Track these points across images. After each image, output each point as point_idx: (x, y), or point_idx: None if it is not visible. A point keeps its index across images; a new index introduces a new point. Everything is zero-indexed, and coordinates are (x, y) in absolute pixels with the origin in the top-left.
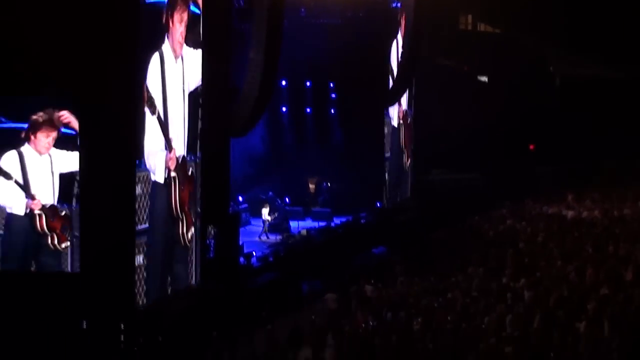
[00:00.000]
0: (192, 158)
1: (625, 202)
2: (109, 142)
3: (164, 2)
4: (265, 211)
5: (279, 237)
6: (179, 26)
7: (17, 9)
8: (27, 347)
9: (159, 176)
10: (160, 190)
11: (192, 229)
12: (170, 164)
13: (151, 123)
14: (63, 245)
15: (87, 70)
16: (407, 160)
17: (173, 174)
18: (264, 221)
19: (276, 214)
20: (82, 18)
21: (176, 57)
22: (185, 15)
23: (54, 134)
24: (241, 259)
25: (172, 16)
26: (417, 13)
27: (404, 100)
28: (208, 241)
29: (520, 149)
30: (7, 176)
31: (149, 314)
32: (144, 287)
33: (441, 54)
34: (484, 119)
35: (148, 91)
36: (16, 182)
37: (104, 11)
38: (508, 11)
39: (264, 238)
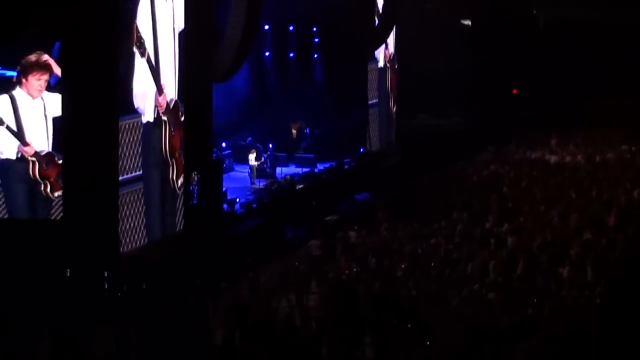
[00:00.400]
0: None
1: (609, 146)
2: (93, 85)
3: None
4: (252, 157)
5: (263, 183)
6: None
7: None
8: (10, 295)
9: (148, 116)
10: (151, 133)
11: (182, 178)
12: (160, 104)
13: (141, 65)
14: (56, 194)
15: (72, 9)
16: (393, 105)
17: (164, 117)
18: (250, 167)
19: (263, 159)
20: None
21: None
22: None
23: (45, 76)
24: (225, 206)
25: None
26: None
27: (391, 43)
28: (191, 187)
29: (503, 93)
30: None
31: (132, 262)
32: (144, 233)
33: None
34: (467, 63)
35: (138, 31)
36: (8, 127)
37: None
38: None
39: (250, 185)
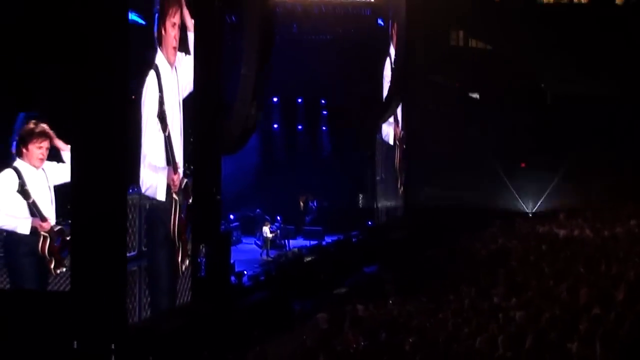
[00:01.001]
0: (189, 178)
1: (617, 220)
2: (101, 159)
3: (155, 11)
4: (266, 229)
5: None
6: (171, 31)
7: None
8: None
9: (160, 195)
10: (160, 212)
11: (187, 261)
12: (175, 183)
13: (158, 140)
14: (58, 271)
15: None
16: (400, 185)
17: (175, 196)
18: (264, 239)
19: (278, 232)
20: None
21: (171, 66)
22: (177, 18)
23: (45, 144)
24: (232, 278)
25: (164, 24)
26: (408, 29)
27: (401, 119)
28: (199, 259)
29: (511, 167)
30: (26, 195)
31: (139, 333)
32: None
33: (433, 70)
34: (475, 136)
35: (162, 105)
36: (33, 202)
37: (93, 28)
38: (500, 28)
39: (264, 257)
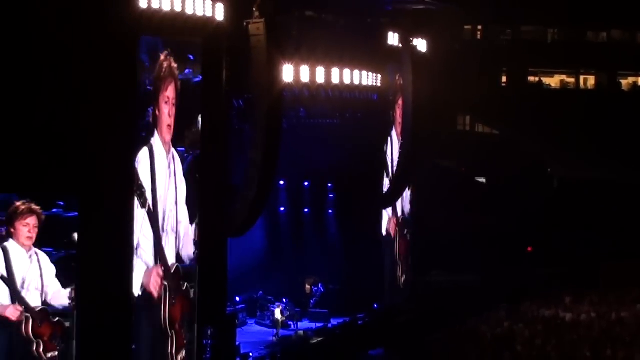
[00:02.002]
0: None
1: (623, 304)
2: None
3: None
4: (277, 311)
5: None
6: (165, 108)
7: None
8: None
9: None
10: (145, 303)
11: (183, 352)
12: (158, 274)
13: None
14: (49, 355)
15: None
16: (402, 275)
17: (165, 282)
18: (275, 320)
19: (288, 314)
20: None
21: (167, 151)
22: (171, 92)
23: (33, 221)
24: None
25: (158, 103)
26: (415, 114)
27: (399, 207)
28: (205, 342)
29: (518, 251)
30: (10, 275)
31: None
32: None
33: (439, 154)
34: (481, 220)
35: (154, 183)
36: (2, 277)
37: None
38: (506, 113)
39: (275, 338)
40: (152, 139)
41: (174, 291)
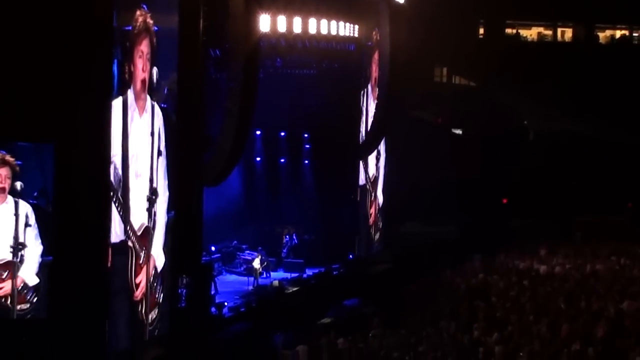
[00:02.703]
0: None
1: (598, 257)
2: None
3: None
4: (257, 260)
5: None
6: (139, 63)
7: None
8: None
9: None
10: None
11: (155, 311)
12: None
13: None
14: (18, 307)
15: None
16: (377, 227)
17: (130, 243)
18: (253, 269)
19: (265, 264)
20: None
21: (142, 107)
22: (145, 47)
23: (4, 171)
24: (213, 309)
25: (133, 58)
26: (392, 65)
27: (375, 158)
28: (179, 290)
29: (493, 203)
30: None
31: None
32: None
33: (416, 106)
34: (457, 172)
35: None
36: None
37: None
38: (483, 65)
39: (253, 287)
40: (127, 92)
41: (141, 252)
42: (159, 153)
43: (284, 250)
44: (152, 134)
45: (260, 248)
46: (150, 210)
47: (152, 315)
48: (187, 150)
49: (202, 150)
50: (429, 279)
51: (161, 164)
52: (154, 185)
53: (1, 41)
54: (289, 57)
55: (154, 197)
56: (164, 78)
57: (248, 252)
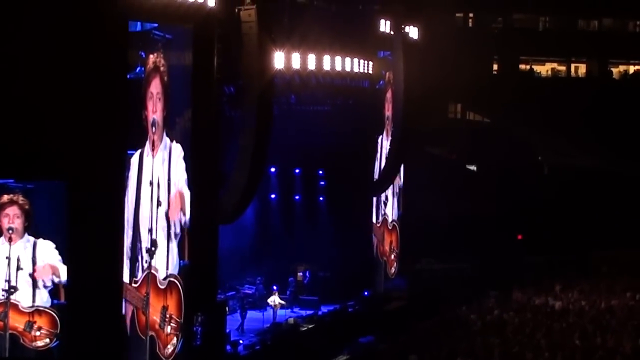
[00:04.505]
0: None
1: (613, 293)
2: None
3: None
4: (275, 297)
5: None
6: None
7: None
8: None
9: None
10: None
11: (174, 341)
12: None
13: None
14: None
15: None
16: (392, 263)
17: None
18: (273, 308)
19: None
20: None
21: (154, 148)
22: (155, 89)
23: (14, 211)
24: (228, 347)
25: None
26: (406, 101)
27: (391, 195)
28: (194, 328)
29: (508, 239)
30: None
31: None
32: None
33: (430, 142)
34: (472, 208)
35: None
36: None
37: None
38: (497, 100)
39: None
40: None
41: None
42: (159, 203)
43: (289, 290)
44: (152, 183)
45: (274, 285)
46: (149, 262)
47: (168, 350)
48: (202, 188)
49: (217, 188)
50: (444, 316)
51: (160, 213)
52: (153, 236)
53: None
54: (303, 94)
55: (153, 248)
56: (178, 115)
57: (247, 285)
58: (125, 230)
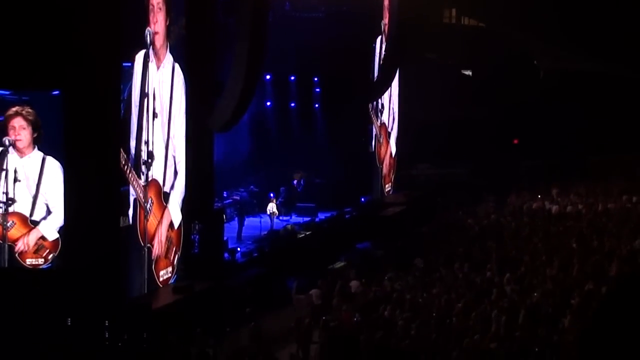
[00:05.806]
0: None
1: (610, 196)
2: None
3: None
4: (272, 205)
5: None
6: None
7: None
8: (12, 344)
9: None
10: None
11: (169, 269)
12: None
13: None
14: (27, 262)
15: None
16: (389, 169)
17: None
18: (270, 215)
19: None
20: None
21: (159, 58)
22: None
23: (18, 121)
24: (226, 255)
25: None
26: (401, 6)
27: (387, 100)
28: (192, 236)
29: (504, 143)
30: None
31: (133, 310)
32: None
33: (425, 47)
34: (468, 113)
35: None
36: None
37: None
38: (492, 5)
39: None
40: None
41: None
42: (154, 115)
43: (279, 199)
44: (147, 95)
45: (271, 193)
46: (146, 174)
47: (162, 276)
48: (197, 96)
49: (211, 95)
50: (441, 221)
51: (157, 126)
52: (150, 148)
53: None
54: (298, 1)
55: (149, 160)
56: (174, 23)
57: (235, 192)
58: (128, 141)
